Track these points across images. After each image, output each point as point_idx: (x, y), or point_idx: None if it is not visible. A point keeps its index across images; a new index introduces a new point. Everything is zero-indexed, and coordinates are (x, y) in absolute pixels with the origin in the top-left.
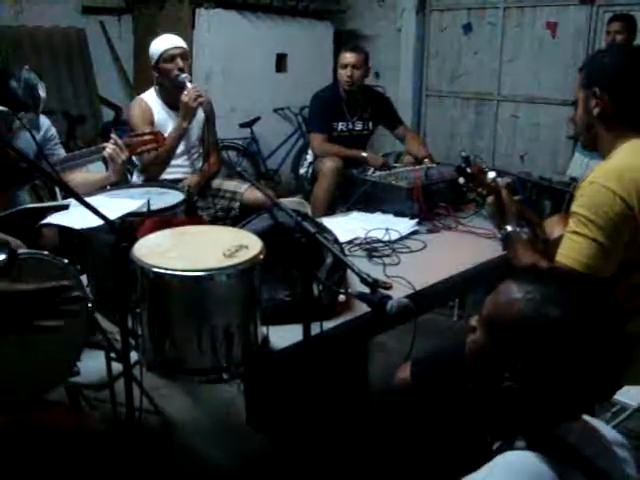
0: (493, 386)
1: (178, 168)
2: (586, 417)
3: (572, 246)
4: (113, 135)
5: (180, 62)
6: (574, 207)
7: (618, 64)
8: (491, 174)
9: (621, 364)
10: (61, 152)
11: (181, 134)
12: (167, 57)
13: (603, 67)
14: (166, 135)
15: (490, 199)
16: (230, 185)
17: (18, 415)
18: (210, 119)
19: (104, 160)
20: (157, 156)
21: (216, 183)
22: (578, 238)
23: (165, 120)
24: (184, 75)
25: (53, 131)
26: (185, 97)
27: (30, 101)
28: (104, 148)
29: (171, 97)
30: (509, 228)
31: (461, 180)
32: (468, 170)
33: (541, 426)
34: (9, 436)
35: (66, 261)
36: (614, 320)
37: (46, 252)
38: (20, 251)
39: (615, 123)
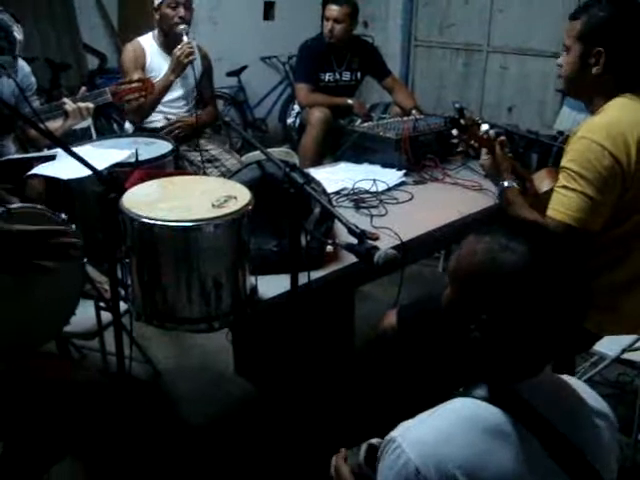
0: (462, 337)
1: (177, 109)
2: (572, 381)
3: (562, 200)
4: (86, 104)
5: (182, 11)
6: (564, 162)
7: (620, 24)
8: (484, 126)
9: (581, 313)
10: (35, 104)
11: (167, 86)
12: (171, 2)
13: (605, 26)
14: (157, 79)
15: (484, 152)
16: (227, 161)
17: (14, 364)
18: (208, 72)
19: (65, 115)
20: (140, 104)
21: (215, 152)
22: (568, 192)
23: (159, 65)
24: (183, 26)
25: (32, 81)
26: (178, 51)
27: (5, 43)
28: (64, 104)
29: (169, 43)
30: (505, 183)
31: (454, 132)
32: (462, 122)
33: (503, 378)
34: (7, 383)
35: (64, 216)
36: (573, 268)
37: (41, 206)
38: (15, 205)
39: (610, 82)
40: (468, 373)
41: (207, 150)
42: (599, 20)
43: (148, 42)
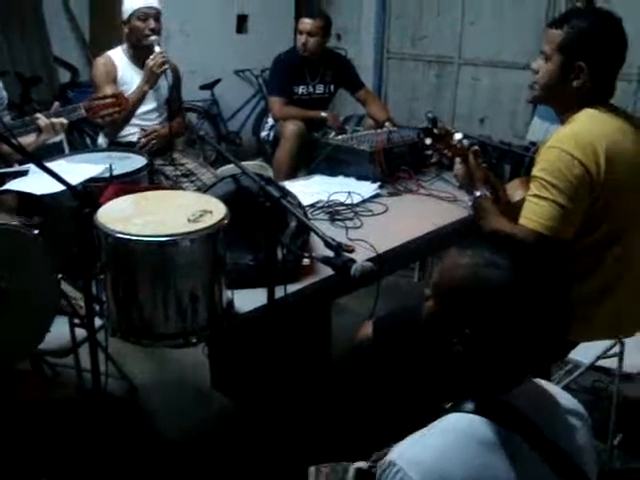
0: (444, 351)
1: (150, 122)
2: (543, 382)
3: (534, 209)
4: (60, 119)
5: (152, 23)
6: (535, 171)
7: (602, 39)
8: (458, 135)
9: (564, 326)
10: (6, 119)
11: (141, 98)
12: (140, 15)
13: (586, 39)
14: (129, 92)
15: (458, 161)
16: (203, 175)
17: None
18: (176, 84)
19: (39, 130)
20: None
21: (191, 166)
22: (540, 201)
23: (131, 78)
24: (154, 37)
25: (3, 95)
26: (150, 62)
27: None
28: (37, 119)
29: (139, 55)
30: (477, 193)
31: (427, 141)
32: (435, 131)
33: (489, 390)
34: None
35: (36, 232)
36: (556, 282)
37: (15, 222)
38: None
39: (586, 95)
40: (452, 387)
41: (183, 164)
42: (581, 32)
43: (118, 56)
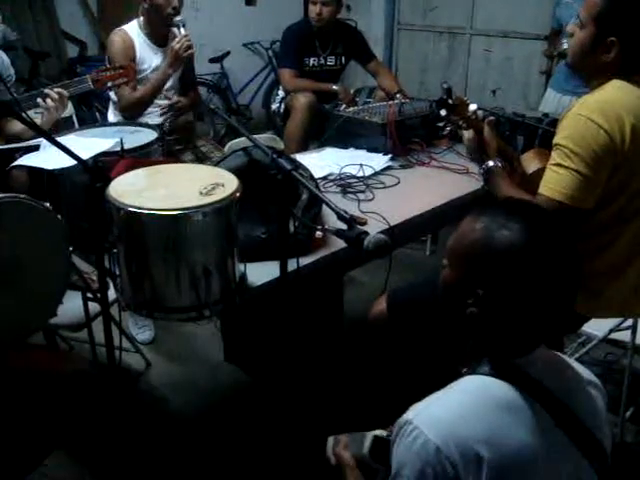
0: (460, 314)
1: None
2: (560, 354)
3: (555, 178)
4: (59, 90)
5: (175, 1)
6: (557, 139)
7: (637, 13)
8: (473, 106)
9: (574, 290)
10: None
11: (166, 80)
12: None
13: (623, 14)
14: (148, 72)
15: (470, 132)
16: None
17: (2, 355)
18: (190, 60)
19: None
20: (139, 98)
21: (205, 149)
22: (561, 170)
23: (147, 55)
24: (179, 18)
25: (11, 72)
26: (177, 45)
27: None
28: (46, 96)
29: (156, 32)
30: (491, 163)
31: (442, 112)
32: (450, 101)
33: (504, 353)
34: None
35: (47, 204)
36: (568, 248)
37: (24, 195)
38: None
39: (615, 67)
40: (467, 350)
41: (197, 146)
42: (618, 5)
43: (134, 32)
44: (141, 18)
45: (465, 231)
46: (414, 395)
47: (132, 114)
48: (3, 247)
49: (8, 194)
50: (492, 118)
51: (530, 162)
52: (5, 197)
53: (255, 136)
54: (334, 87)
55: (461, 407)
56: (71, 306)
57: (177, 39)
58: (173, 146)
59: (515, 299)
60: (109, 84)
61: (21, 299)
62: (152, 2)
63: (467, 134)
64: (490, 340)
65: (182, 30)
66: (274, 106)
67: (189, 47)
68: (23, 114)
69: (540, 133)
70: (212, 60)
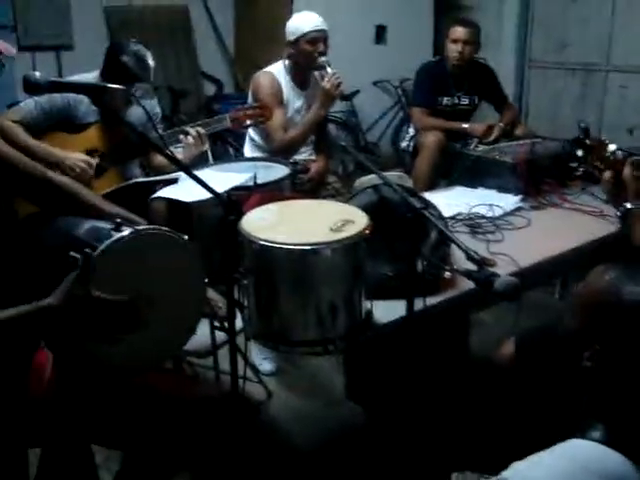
0: (576, 366)
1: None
2: None
3: None
4: (198, 129)
5: (322, 46)
6: None
7: None
8: (612, 146)
9: None
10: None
11: (318, 121)
12: (310, 39)
13: None
14: (291, 114)
15: (608, 174)
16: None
17: (140, 380)
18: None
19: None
20: (290, 140)
21: (336, 185)
22: None
23: (292, 98)
24: (324, 58)
25: (157, 111)
26: (327, 84)
27: (141, 72)
28: (187, 133)
29: (301, 75)
30: (629, 205)
31: (579, 152)
32: (587, 142)
33: (620, 418)
34: (129, 398)
35: (186, 237)
36: None
37: (165, 228)
38: (142, 227)
39: None
40: (582, 407)
41: (327, 183)
42: None
43: (281, 74)
44: (287, 61)
45: (593, 281)
46: (529, 442)
47: (285, 154)
48: (146, 278)
49: (151, 225)
50: (637, 158)
51: None
52: (148, 228)
53: (383, 174)
54: (464, 125)
55: (561, 475)
56: (199, 334)
57: (326, 78)
58: (305, 182)
59: (634, 360)
60: (247, 122)
61: (160, 329)
62: (297, 48)
63: (607, 174)
64: (605, 401)
65: (329, 69)
66: (404, 144)
67: (339, 84)
68: (167, 150)
69: None
70: (342, 98)
